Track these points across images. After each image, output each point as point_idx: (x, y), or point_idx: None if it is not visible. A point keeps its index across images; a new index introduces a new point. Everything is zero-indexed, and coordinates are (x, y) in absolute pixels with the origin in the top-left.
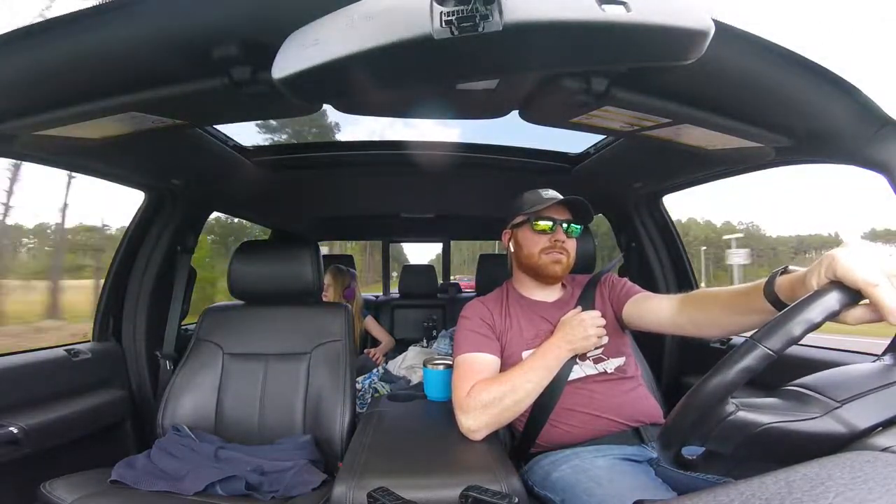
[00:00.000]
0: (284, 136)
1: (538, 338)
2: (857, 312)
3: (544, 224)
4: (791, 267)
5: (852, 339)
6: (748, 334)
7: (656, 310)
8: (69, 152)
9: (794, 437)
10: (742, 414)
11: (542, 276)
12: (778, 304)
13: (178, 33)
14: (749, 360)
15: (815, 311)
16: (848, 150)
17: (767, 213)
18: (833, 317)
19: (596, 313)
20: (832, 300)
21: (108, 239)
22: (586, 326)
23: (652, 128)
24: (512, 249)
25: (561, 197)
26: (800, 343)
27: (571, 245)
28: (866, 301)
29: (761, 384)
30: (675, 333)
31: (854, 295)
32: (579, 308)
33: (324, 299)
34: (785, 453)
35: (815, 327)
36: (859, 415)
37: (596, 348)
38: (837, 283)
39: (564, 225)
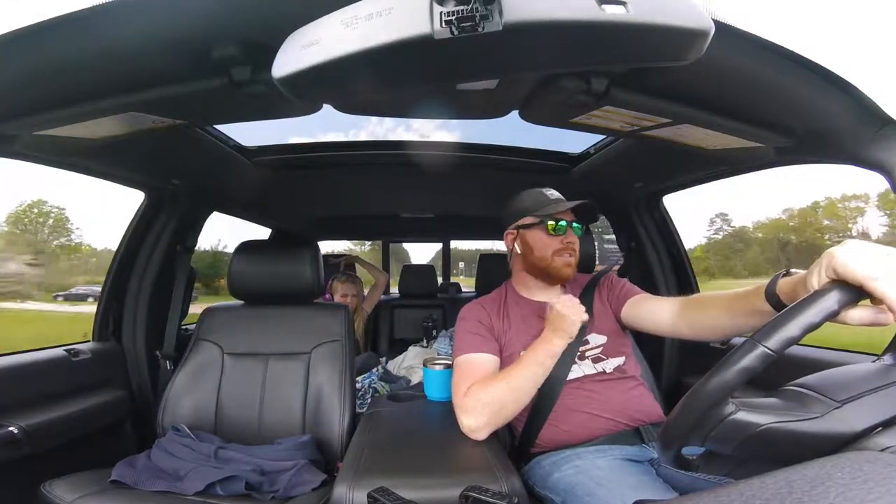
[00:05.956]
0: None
1: (536, 338)
2: (857, 313)
3: (560, 226)
4: (793, 269)
5: None
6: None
7: (654, 312)
8: (69, 152)
9: (793, 438)
10: (742, 414)
11: (552, 278)
12: (779, 305)
13: (178, 33)
14: (748, 361)
15: (814, 312)
16: (848, 150)
17: None
18: (832, 317)
19: (566, 297)
20: (831, 300)
21: None
22: (559, 310)
23: (652, 128)
24: (518, 251)
25: (569, 202)
26: (800, 343)
27: (578, 245)
28: (866, 302)
29: (761, 384)
30: (672, 336)
31: (854, 295)
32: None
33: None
34: (784, 454)
35: (814, 327)
36: (859, 415)
37: (594, 347)
38: (838, 283)
39: (574, 225)
